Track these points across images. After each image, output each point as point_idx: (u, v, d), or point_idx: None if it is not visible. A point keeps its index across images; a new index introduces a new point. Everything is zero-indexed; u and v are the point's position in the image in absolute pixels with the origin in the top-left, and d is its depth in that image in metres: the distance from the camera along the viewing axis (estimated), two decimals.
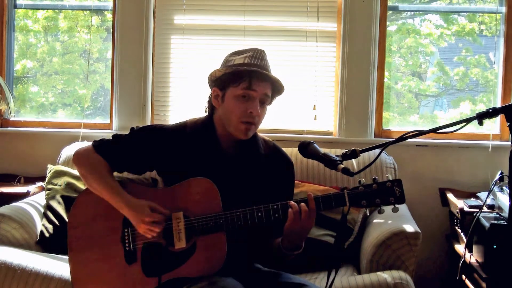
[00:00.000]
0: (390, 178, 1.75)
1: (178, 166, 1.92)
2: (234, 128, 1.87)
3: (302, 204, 1.75)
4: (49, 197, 2.75)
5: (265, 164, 1.97)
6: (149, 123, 3.37)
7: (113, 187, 1.89)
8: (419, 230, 2.29)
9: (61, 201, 2.72)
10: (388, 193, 1.73)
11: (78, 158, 1.97)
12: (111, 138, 1.98)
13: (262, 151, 1.98)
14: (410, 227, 2.30)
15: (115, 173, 1.97)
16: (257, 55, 1.89)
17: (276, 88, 1.91)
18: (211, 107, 1.96)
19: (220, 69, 1.88)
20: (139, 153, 1.94)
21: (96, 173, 1.91)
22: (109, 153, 1.94)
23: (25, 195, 2.98)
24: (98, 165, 1.92)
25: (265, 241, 1.95)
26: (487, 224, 2.36)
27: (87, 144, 2.01)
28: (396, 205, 1.73)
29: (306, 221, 1.75)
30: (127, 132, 1.99)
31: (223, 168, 1.91)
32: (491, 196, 2.67)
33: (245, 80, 1.83)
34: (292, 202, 1.76)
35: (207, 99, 1.98)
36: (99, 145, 1.96)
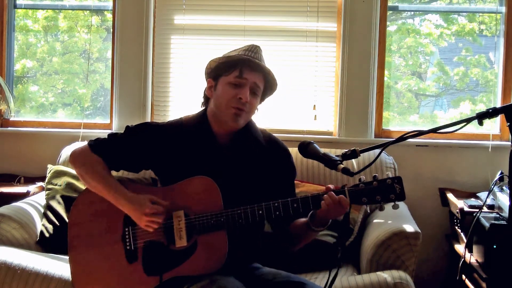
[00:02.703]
0: (390, 176, 1.75)
1: (175, 162, 1.92)
2: (224, 114, 1.88)
3: (330, 194, 1.75)
4: (49, 197, 2.75)
5: (263, 155, 1.97)
6: None
7: (111, 184, 1.90)
8: (419, 230, 2.29)
9: (61, 201, 2.72)
10: (388, 190, 1.74)
11: (75, 159, 1.97)
12: (106, 137, 1.99)
13: (262, 142, 1.99)
14: (410, 227, 2.30)
15: (114, 173, 1.97)
16: (252, 48, 1.93)
17: (269, 83, 1.93)
18: (206, 100, 1.99)
19: (214, 59, 1.92)
20: (135, 151, 1.94)
21: (94, 171, 1.92)
22: (105, 152, 1.94)
23: (25, 195, 2.98)
24: (95, 164, 1.93)
25: (287, 226, 1.95)
26: (487, 224, 2.36)
27: (83, 144, 2.01)
28: (397, 202, 1.73)
29: (338, 212, 1.76)
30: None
31: (221, 163, 1.92)
32: (491, 196, 2.67)
33: (236, 69, 1.86)
34: (329, 194, 1.76)
35: (203, 92, 2.00)
36: (95, 145, 1.96)
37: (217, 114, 1.92)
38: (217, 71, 1.91)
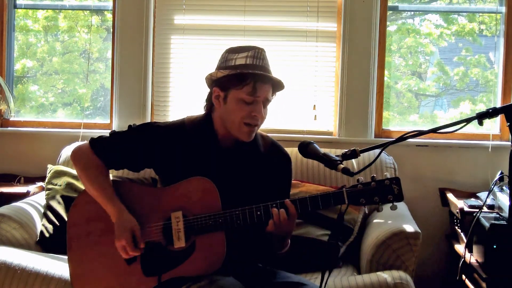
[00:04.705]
0: (389, 176, 1.75)
1: (176, 163, 1.92)
2: (237, 130, 1.87)
3: (282, 210, 1.77)
4: (49, 197, 2.75)
5: (264, 161, 1.97)
6: None
7: (106, 192, 1.90)
8: (419, 230, 2.29)
9: (61, 201, 2.72)
10: (386, 191, 1.74)
11: (76, 157, 1.98)
12: (108, 135, 1.99)
13: (261, 148, 1.98)
14: (410, 227, 2.30)
15: (115, 172, 1.97)
16: (258, 55, 1.87)
17: (277, 85, 1.91)
18: (210, 106, 1.96)
19: (222, 71, 1.86)
20: (136, 150, 1.94)
21: (91, 175, 1.92)
22: (106, 152, 1.94)
23: (25, 195, 2.98)
24: (94, 167, 1.93)
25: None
26: (487, 224, 2.36)
27: (85, 142, 2.01)
28: (395, 203, 1.73)
29: (285, 226, 1.78)
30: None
31: (221, 165, 1.92)
32: (491, 196, 2.67)
33: (248, 84, 1.82)
34: (273, 209, 1.78)
35: (206, 98, 1.97)
36: (96, 144, 1.96)
37: (227, 126, 1.89)
38: (226, 82, 1.85)
